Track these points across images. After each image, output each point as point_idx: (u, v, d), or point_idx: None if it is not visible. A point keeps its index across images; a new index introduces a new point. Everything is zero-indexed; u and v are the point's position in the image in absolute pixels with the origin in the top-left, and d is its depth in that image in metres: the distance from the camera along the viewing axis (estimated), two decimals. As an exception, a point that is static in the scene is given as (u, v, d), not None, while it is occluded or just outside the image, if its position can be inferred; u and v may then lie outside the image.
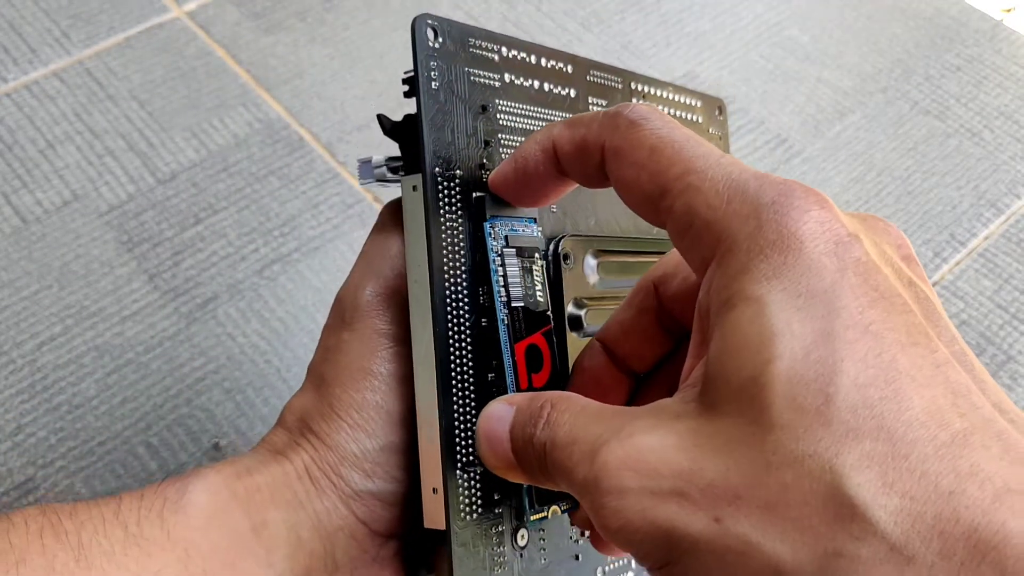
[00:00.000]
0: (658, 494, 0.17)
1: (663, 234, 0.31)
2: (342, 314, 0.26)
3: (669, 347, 0.25)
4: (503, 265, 0.25)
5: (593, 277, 0.28)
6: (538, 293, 0.26)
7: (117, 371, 0.39)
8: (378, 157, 0.26)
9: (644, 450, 0.18)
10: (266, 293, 0.43)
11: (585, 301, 0.28)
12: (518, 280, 0.25)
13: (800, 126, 0.52)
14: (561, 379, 0.26)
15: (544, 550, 0.27)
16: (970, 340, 0.44)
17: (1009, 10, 0.65)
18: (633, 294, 0.25)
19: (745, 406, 0.17)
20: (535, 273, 0.26)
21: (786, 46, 0.56)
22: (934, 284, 0.46)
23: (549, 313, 0.26)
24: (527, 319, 0.25)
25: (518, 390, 0.24)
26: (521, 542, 0.26)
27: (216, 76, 0.50)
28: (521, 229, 0.26)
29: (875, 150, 0.52)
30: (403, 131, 0.25)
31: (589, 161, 0.22)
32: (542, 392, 0.21)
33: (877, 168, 0.51)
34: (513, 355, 0.25)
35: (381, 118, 0.26)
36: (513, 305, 0.25)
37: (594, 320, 0.28)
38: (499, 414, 0.22)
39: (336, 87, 0.50)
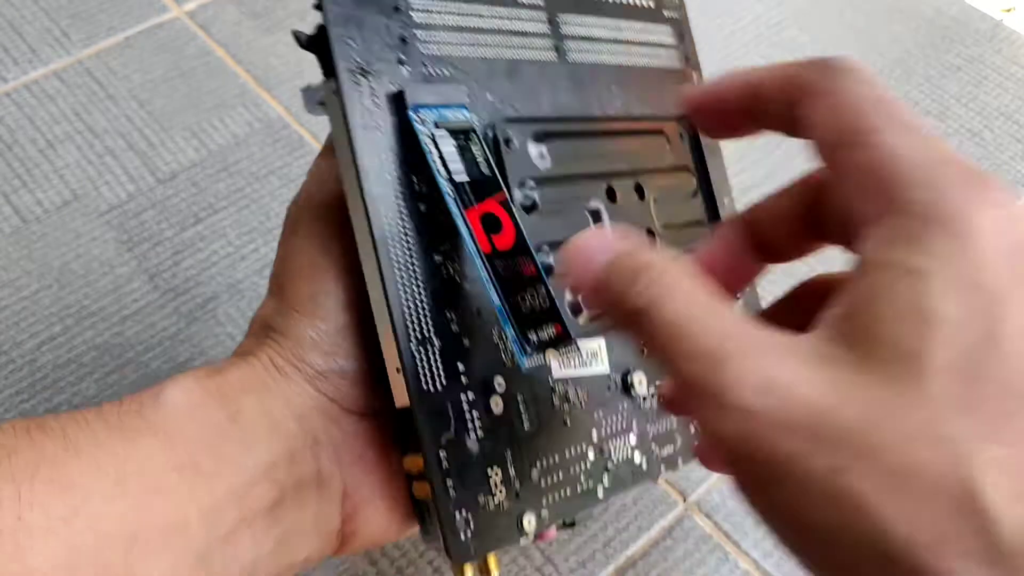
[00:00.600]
0: (788, 427, 0.17)
1: (614, 113, 0.31)
2: (290, 224, 0.28)
3: (810, 249, 0.24)
4: (436, 145, 0.25)
5: (542, 162, 0.29)
6: (482, 167, 0.26)
7: (117, 371, 0.39)
8: (317, 82, 0.26)
9: (781, 379, 0.17)
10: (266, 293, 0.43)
11: (534, 182, 0.28)
12: (456, 156, 0.26)
13: (800, 126, 0.52)
14: (526, 248, 0.26)
15: (525, 414, 0.26)
16: (970, 340, 0.44)
17: (1009, 10, 0.65)
18: (795, 183, 0.24)
19: (901, 375, 0.17)
20: (475, 151, 0.26)
21: (786, 46, 0.56)
22: (934, 284, 0.46)
23: (499, 181, 0.26)
24: (475, 189, 0.26)
25: (480, 253, 0.25)
26: (497, 409, 0.26)
27: (216, 76, 0.50)
28: (451, 115, 0.26)
29: (875, 150, 0.52)
30: (318, 41, 0.25)
31: (786, 98, 0.21)
32: (646, 246, 0.21)
33: (877, 168, 0.51)
34: (466, 221, 0.25)
35: (296, 33, 0.26)
36: (456, 179, 0.25)
37: (547, 199, 0.28)
38: (601, 245, 0.21)
39: (336, 87, 0.50)
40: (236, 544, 0.24)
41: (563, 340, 0.25)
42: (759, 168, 0.49)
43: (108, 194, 0.45)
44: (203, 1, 0.54)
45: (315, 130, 0.48)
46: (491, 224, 0.25)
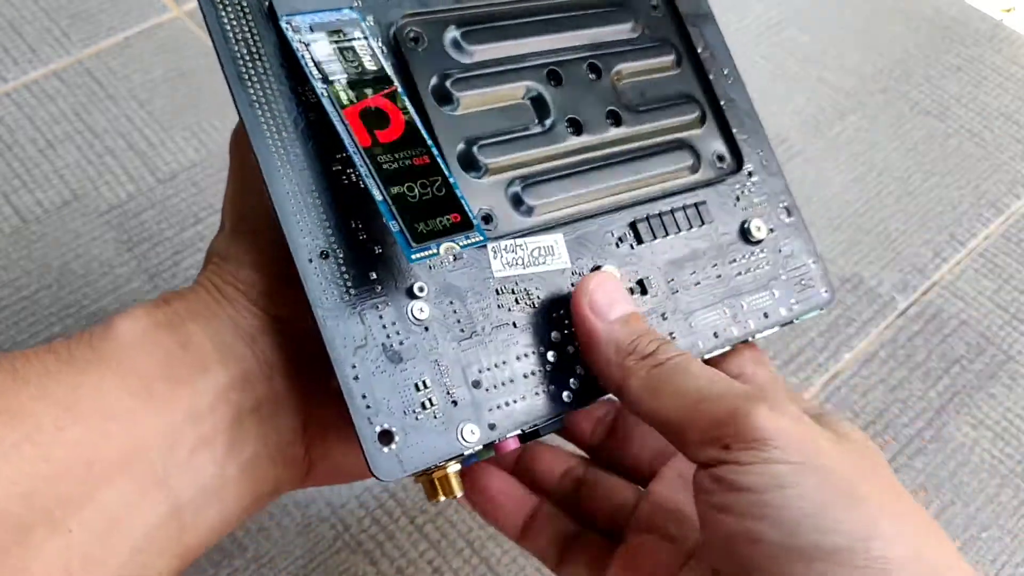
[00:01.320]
0: None
1: None
2: (230, 149, 0.28)
3: None
4: (308, 48, 0.25)
5: (461, 54, 0.27)
6: (367, 64, 0.25)
7: (117, 371, 0.39)
8: None
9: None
10: (266, 293, 0.43)
11: (455, 75, 0.27)
12: (333, 56, 0.25)
13: (800, 126, 0.52)
14: (418, 139, 0.25)
15: (459, 319, 0.25)
16: (970, 340, 0.44)
17: (1009, 10, 0.65)
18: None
19: None
20: (358, 49, 0.25)
21: (786, 46, 0.56)
22: (934, 284, 0.46)
23: (389, 75, 0.25)
24: (357, 86, 0.25)
25: (357, 147, 0.24)
26: (422, 315, 0.25)
27: (216, 75, 0.50)
28: (331, 18, 0.25)
29: (875, 150, 0.52)
30: None
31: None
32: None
33: (877, 168, 0.51)
34: (342, 118, 0.24)
35: None
36: (332, 79, 0.24)
37: (467, 90, 0.27)
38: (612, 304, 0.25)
39: (336, 87, 0.50)
40: (197, 466, 0.24)
41: (461, 228, 0.23)
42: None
43: (108, 194, 0.45)
44: (203, 1, 0.54)
45: (315, 130, 0.48)
46: (375, 119, 0.24)
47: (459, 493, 0.25)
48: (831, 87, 0.54)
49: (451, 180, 0.24)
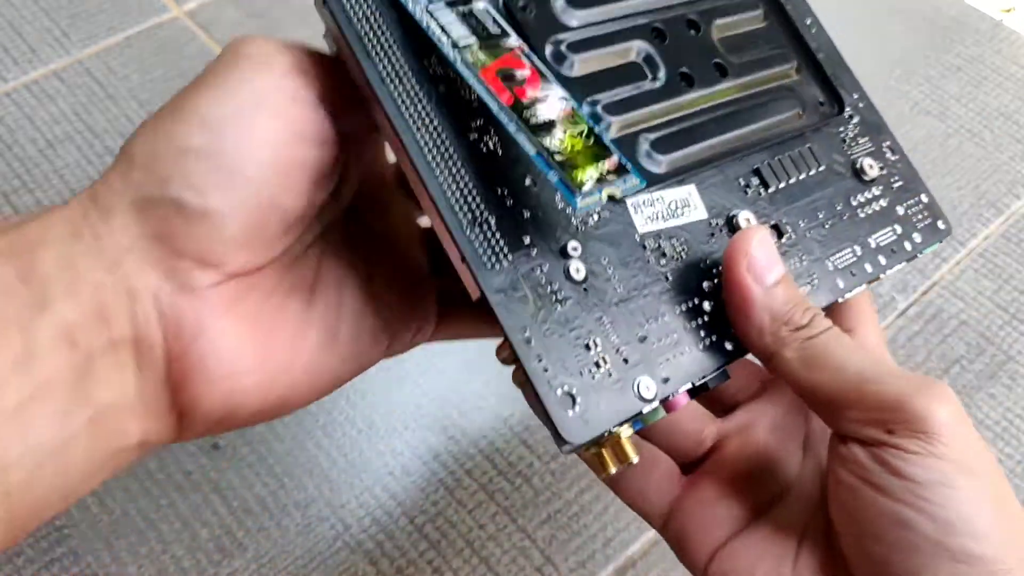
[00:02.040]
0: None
1: None
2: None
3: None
4: (433, 17, 0.25)
5: (569, 16, 0.28)
6: (491, 28, 0.25)
7: (117, 371, 0.39)
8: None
9: None
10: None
11: (568, 39, 0.27)
12: (458, 22, 0.25)
13: (800, 126, 0.52)
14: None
15: (615, 277, 0.25)
16: (970, 340, 0.44)
17: (1009, 10, 0.65)
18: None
19: None
20: (478, 15, 0.25)
21: (786, 46, 0.56)
22: (934, 284, 0.46)
23: (510, 33, 0.25)
24: (486, 49, 0.25)
25: (501, 107, 0.24)
26: (579, 275, 0.25)
27: (216, 76, 0.50)
28: None
29: (875, 150, 0.52)
30: None
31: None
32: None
33: (877, 168, 0.51)
34: (480, 79, 0.24)
35: None
36: (461, 44, 0.24)
37: (582, 52, 0.27)
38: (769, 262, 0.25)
39: (336, 87, 0.50)
40: (28, 424, 0.20)
41: (619, 173, 0.23)
42: None
43: (108, 194, 0.45)
44: (203, 1, 0.54)
45: (315, 130, 0.49)
46: (511, 78, 0.24)
47: (635, 458, 0.25)
48: (831, 87, 0.54)
49: (596, 128, 0.24)
